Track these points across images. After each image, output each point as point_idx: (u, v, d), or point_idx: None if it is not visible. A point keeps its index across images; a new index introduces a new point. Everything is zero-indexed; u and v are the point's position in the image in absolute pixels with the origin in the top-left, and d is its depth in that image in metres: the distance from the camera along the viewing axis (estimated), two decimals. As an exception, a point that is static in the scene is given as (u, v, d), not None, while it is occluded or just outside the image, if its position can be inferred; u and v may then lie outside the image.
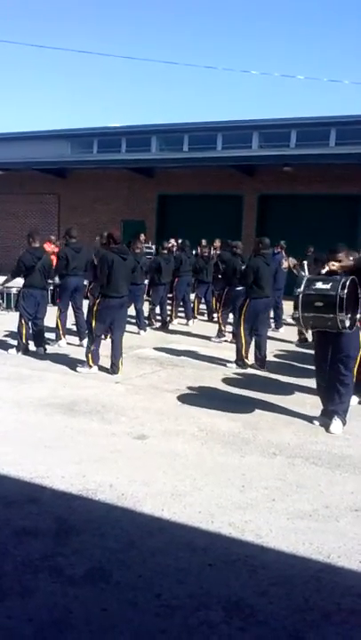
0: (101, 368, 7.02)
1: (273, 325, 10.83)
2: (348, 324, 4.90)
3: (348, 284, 4.83)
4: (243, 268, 8.30)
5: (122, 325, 7.22)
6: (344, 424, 5.16)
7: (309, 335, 9.43)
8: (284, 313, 11.11)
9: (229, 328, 9.60)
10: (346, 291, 4.79)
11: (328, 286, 4.91)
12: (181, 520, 3.41)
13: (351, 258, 5.47)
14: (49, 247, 12.73)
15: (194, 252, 12.30)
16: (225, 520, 3.42)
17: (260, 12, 67.04)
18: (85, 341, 8.48)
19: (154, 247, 15.22)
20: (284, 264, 11.06)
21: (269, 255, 7.84)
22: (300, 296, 4.99)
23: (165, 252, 11.09)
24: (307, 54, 70.71)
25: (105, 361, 7.06)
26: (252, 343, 7.66)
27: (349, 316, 4.93)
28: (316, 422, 5.31)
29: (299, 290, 5.03)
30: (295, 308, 5.05)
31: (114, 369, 6.95)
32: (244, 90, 70.23)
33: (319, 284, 4.99)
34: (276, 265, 10.76)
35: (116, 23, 78.64)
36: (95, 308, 6.89)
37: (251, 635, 2.45)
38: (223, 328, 9.54)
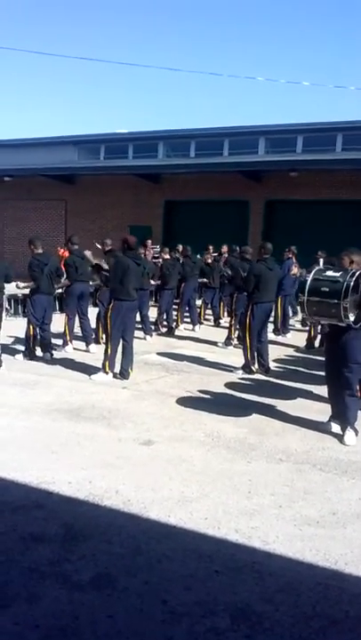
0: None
1: (281, 331, 10.82)
2: (352, 318, 4.88)
3: (357, 274, 4.84)
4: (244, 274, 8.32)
5: (133, 330, 7.23)
6: (357, 433, 5.10)
7: (317, 341, 9.46)
8: (290, 319, 11.10)
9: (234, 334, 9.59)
10: (354, 279, 4.79)
11: (338, 274, 4.95)
12: (188, 526, 3.40)
13: None
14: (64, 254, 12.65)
15: (198, 256, 12.25)
16: (231, 526, 3.42)
17: (264, 19, 67.29)
18: (92, 347, 8.53)
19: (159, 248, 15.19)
20: (294, 270, 11.00)
21: (271, 260, 7.82)
22: (309, 281, 5.02)
23: (169, 257, 11.09)
24: (312, 61, 70.84)
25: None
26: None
27: (356, 310, 4.92)
28: (324, 428, 5.28)
29: (309, 276, 5.06)
30: (302, 292, 5.06)
31: (124, 374, 6.94)
32: (250, 96, 70.43)
33: (330, 272, 5.04)
34: (286, 270, 10.75)
35: (120, 30, 79.23)
36: (109, 313, 6.89)
37: (257, 642, 2.44)
38: (233, 336, 9.53)
